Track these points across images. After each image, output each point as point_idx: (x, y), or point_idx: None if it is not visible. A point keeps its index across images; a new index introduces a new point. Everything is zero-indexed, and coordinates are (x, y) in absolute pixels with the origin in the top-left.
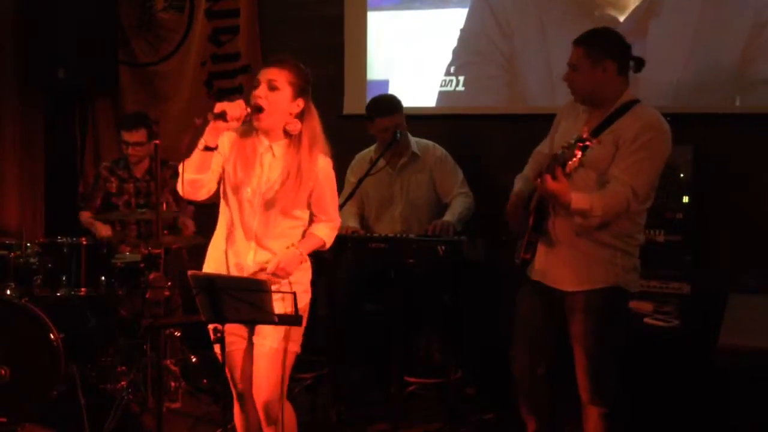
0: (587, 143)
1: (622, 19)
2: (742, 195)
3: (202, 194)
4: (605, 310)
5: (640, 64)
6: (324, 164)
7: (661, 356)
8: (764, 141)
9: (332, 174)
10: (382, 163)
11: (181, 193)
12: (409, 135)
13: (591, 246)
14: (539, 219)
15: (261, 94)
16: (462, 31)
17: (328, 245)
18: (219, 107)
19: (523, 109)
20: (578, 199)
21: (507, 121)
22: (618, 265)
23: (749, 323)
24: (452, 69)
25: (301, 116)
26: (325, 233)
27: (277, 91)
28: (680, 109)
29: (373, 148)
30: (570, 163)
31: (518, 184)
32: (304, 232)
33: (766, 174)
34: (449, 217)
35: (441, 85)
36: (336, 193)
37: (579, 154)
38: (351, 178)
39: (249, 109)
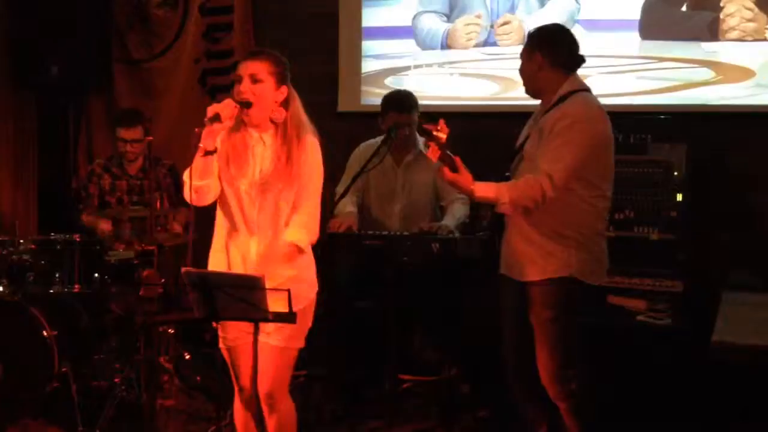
0: (430, 131)
1: None
2: (736, 193)
3: (209, 199)
4: (558, 301)
5: (578, 62)
6: (311, 145)
7: (653, 354)
8: (759, 138)
9: (319, 158)
10: (387, 157)
11: (189, 201)
12: (418, 134)
13: (541, 237)
14: (496, 213)
15: (245, 89)
16: None
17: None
18: (211, 111)
19: (524, 107)
20: (482, 189)
21: (505, 119)
22: (572, 255)
23: (742, 321)
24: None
25: (285, 103)
26: (296, 234)
27: (261, 83)
28: (675, 108)
29: (380, 139)
30: (428, 152)
31: None
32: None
33: (761, 172)
34: (449, 221)
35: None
36: (319, 182)
37: (431, 144)
38: (354, 165)
39: (238, 105)
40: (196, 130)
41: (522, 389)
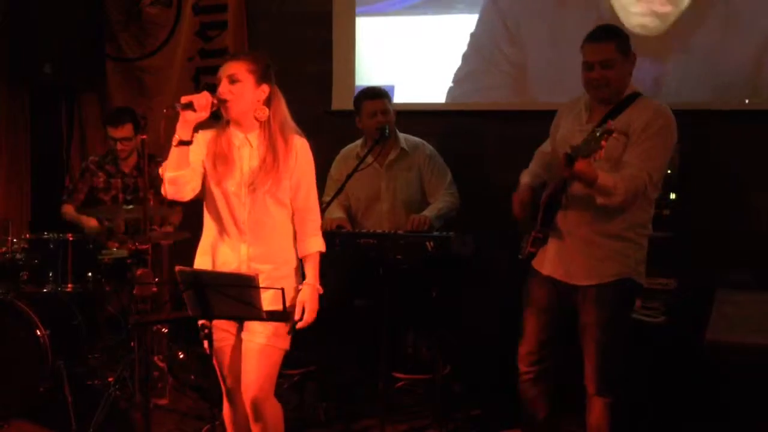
0: (613, 134)
1: None
2: (729, 191)
3: (187, 192)
4: (617, 302)
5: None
6: (301, 145)
7: (647, 352)
8: (751, 137)
9: (311, 158)
10: (369, 159)
11: (165, 195)
12: (398, 132)
13: (603, 239)
14: (548, 213)
15: (223, 89)
16: (472, 35)
17: (323, 250)
18: (185, 99)
19: (517, 106)
20: (604, 177)
21: (500, 118)
22: (630, 257)
23: (736, 319)
24: (461, 75)
25: (268, 102)
26: (319, 243)
27: (239, 83)
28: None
29: (359, 143)
30: (597, 153)
31: (525, 178)
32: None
33: (753, 170)
34: (428, 212)
35: (447, 93)
36: (314, 181)
37: (605, 144)
38: (335, 174)
39: (215, 99)
40: (165, 110)
41: (536, 389)
